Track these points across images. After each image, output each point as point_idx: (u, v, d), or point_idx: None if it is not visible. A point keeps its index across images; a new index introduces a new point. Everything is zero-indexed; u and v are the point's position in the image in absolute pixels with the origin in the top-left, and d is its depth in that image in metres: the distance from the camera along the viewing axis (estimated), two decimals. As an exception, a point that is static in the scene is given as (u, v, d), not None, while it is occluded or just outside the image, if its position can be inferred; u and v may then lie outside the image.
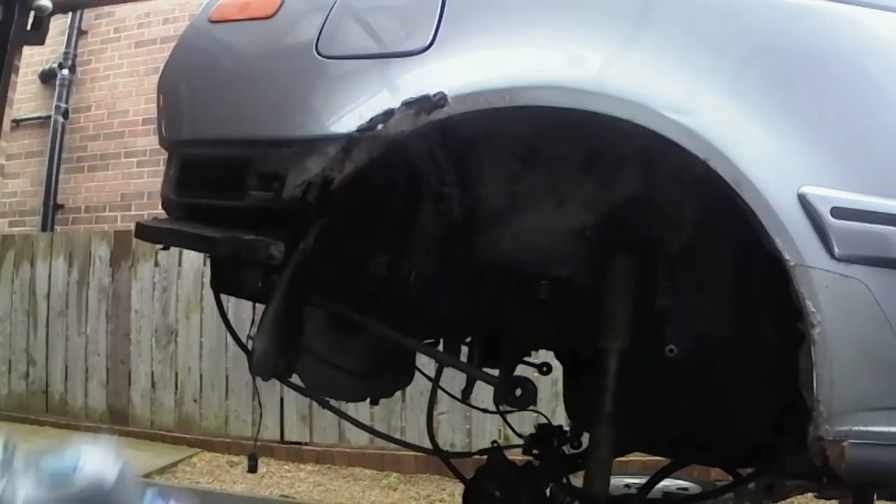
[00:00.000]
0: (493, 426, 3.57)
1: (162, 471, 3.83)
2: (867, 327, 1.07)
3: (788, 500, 1.82)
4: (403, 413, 3.85)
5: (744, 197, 1.07)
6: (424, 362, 1.98)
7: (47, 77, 5.65)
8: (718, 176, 1.08)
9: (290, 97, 1.31)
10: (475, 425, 3.71)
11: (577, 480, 1.62)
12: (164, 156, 1.58)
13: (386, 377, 1.87)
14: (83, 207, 5.50)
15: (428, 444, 1.93)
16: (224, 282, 1.52)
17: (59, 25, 5.42)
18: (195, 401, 4.36)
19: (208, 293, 3.90)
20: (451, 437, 3.73)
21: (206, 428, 4.31)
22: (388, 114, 1.20)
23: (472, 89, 1.15)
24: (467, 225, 1.48)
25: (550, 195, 1.44)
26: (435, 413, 1.90)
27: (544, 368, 1.93)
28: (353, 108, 1.23)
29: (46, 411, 4.66)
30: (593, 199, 1.43)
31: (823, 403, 1.06)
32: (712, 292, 1.41)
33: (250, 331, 1.55)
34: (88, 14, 5.72)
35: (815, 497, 1.95)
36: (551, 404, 3.26)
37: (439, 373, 1.88)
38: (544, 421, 1.93)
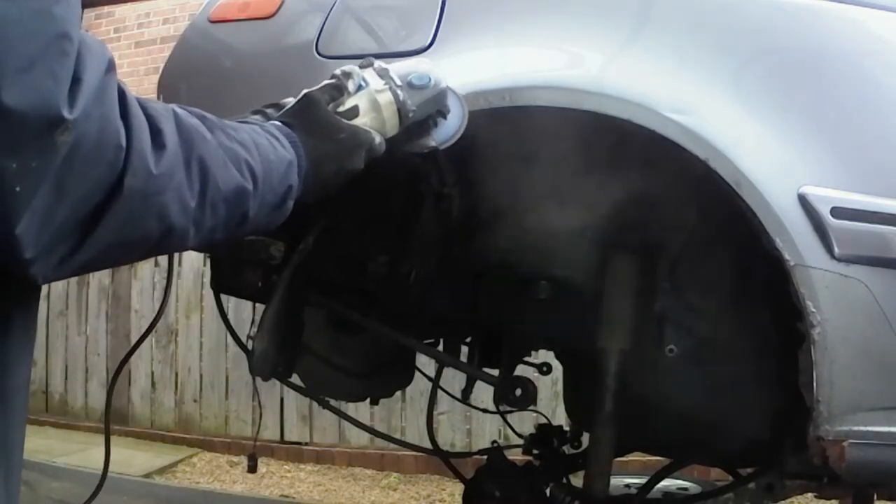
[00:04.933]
0: (493, 426, 3.57)
1: (162, 471, 3.83)
2: (867, 327, 1.07)
3: (788, 501, 1.82)
4: (403, 413, 3.85)
5: (744, 197, 1.07)
6: (424, 362, 1.99)
7: (47, 77, 5.65)
8: (718, 176, 1.08)
9: (290, 97, 1.30)
10: (475, 425, 3.71)
11: (577, 480, 1.62)
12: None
13: (386, 377, 1.88)
14: (83, 207, 5.49)
15: (428, 444, 1.93)
16: (224, 282, 1.52)
17: (59, 25, 5.43)
18: (195, 401, 4.37)
19: (208, 293, 3.90)
20: (451, 437, 3.73)
21: (206, 428, 4.31)
22: None
23: (472, 89, 1.15)
24: (467, 225, 1.48)
25: (550, 195, 1.44)
26: (435, 413, 1.90)
27: (544, 368, 1.93)
28: (353, 108, 1.23)
29: (46, 411, 4.66)
30: (593, 199, 1.43)
31: (823, 403, 1.06)
32: (712, 292, 1.41)
33: (250, 331, 1.55)
34: (88, 14, 5.72)
35: (815, 497, 1.95)
36: (551, 404, 3.27)
37: (439, 373, 1.88)
38: (544, 421, 1.93)
